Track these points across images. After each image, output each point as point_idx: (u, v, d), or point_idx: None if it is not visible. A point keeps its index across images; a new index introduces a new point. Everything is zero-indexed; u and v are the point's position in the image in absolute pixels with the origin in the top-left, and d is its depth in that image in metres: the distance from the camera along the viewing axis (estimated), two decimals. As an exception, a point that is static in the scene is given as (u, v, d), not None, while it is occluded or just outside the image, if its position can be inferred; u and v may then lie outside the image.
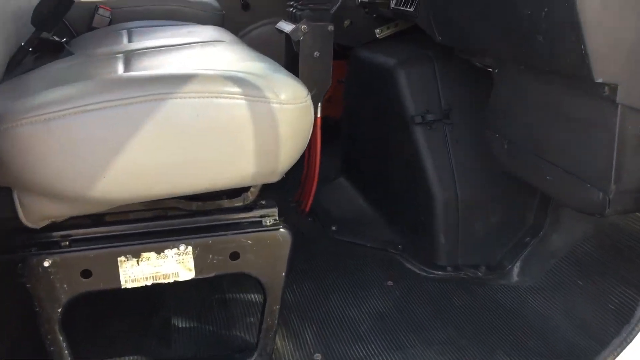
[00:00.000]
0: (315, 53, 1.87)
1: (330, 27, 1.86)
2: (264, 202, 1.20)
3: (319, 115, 1.98)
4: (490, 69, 1.44)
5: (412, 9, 1.72)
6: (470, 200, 1.67)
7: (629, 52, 1.00)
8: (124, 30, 1.87)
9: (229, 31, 2.07)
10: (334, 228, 1.95)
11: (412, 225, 1.79)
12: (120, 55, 1.37)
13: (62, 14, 1.46)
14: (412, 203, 1.77)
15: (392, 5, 1.87)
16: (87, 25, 2.07)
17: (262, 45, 2.94)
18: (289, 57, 2.09)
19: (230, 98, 1.00)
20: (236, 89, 1.01)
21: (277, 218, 1.19)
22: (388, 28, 2.17)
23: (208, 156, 1.00)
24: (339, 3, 2.14)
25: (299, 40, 1.85)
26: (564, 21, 1.02)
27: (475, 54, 1.46)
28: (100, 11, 2.04)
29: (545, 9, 1.06)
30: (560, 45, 1.06)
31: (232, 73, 1.05)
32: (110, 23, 2.07)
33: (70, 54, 1.59)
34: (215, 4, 2.30)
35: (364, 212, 2.02)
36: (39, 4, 1.45)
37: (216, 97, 0.99)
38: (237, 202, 1.18)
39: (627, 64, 1.00)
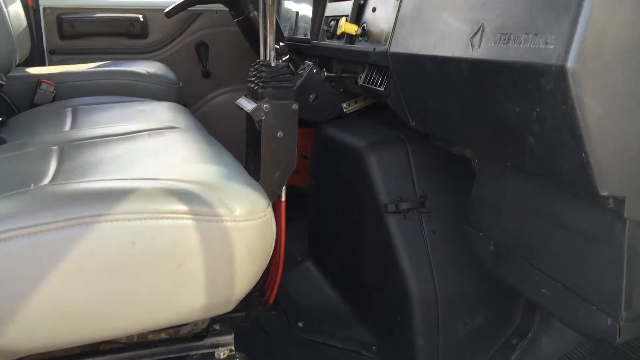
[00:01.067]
0: (278, 133, 1.72)
1: (295, 106, 1.73)
2: (217, 328, 1.02)
3: (283, 198, 1.83)
4: (471, 158, 1.32)
5: (382, 88, 1.60)
6: (451, 297, 1.51)
7: (637, 160, 0.87)
8: (68, 109, 1.70)
9: (187, 106, 1.92)
10: (300, 325, 1.76)
11: (387, 324, 1.62)
12: (54, 148, 1.20)
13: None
14: (387, 299, 1.61)
15: (360, 81, 1.75)
16: (29, 101, 1.89)
17: (224, 114, 2.82)
18: (250, 136, 1.94)
19: (174, 218, 0.83)
20: (181, 207, 0.84)
21: (234, 348, 1.01)
22: (356, 102, 2.05)
23: (147, 291, 0.82)
24: (303, 77, 2.02)
25: (260, 120, 1.71)
26: (561, 124, 0.89)
27: (454, 144, 1.33)
28: (44, 86, 1.87)
29: (537, 109, 0.93)
30: (556, 150, 0.93)
31: (178, 185, 0.89)
32: (54, 99, 1.89)
33: (2, 141, 1.42)
34: (172, 76, 2.16)
35: (333, 305, 1.84)
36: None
37: (157, 218, 0.82)
38: (185, 331, 1.00)
39: (635, 175, 0.87)
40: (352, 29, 1.72)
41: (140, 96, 1.92)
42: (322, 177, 1.99)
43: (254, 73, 1.85)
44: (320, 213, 2.04)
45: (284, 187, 1.79)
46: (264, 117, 1.71)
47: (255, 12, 2.24)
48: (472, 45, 1.07)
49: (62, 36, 2.56)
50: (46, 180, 0.96)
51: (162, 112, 1.65)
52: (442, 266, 1.52)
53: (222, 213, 0.86)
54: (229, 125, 2.70)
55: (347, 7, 1.86)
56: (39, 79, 1.88)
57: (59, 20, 2.54)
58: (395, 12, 1.41)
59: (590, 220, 0.96)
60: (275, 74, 1.74)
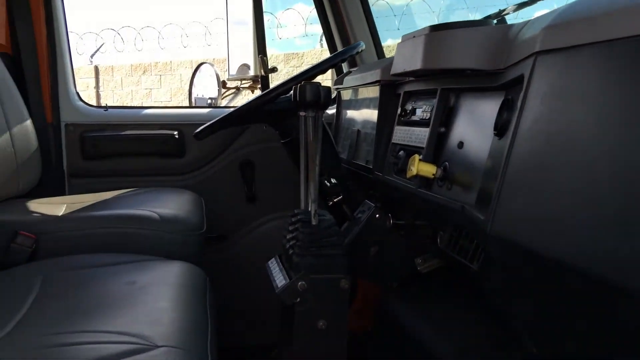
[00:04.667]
0: (320, 323, 1.17)
1: (344, 283, 1.18)
2: None
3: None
4: None
5: (474, 266, 1.03)
6: None
7: None
8: (37, 282, 1.21)
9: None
10: None
11: None
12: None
13: None
14: None
15: (440, 243, 1.20)
16: None
17: (270, 245, 2.30)
18: (284, 323, 1.38)
19: None
20: None
21: None
22: (434, 257, 1.48)
23: None
24: (362, 223, 1.49)
25: (294, 304, 1.17)
26: None
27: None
28: (20, 239, 1.42)
29: None
30: None
31: None
32: (33, 256, 1.43)
33: None
34: (196, 217, 1.66)
35: None
36: None
37: None
38: None
39: None
40: (429, 170, 1.18)
41: (146, 252, 1.43)
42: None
43: (290, 229, 1.33)
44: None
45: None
46: (298, 300, 1.17)
47: (305, 135, 1.76)
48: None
49: (85, 157, 2.17)
50: None
51: (167, 294, 1.14)
52: None
53: None
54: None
55: (420, 135, 1.33)
56: (15, 230, 1.44)
57: (82, 139, 2.16)
58: (503, 157, 0.84)
59: None
60: (317, 237, 1.21)
